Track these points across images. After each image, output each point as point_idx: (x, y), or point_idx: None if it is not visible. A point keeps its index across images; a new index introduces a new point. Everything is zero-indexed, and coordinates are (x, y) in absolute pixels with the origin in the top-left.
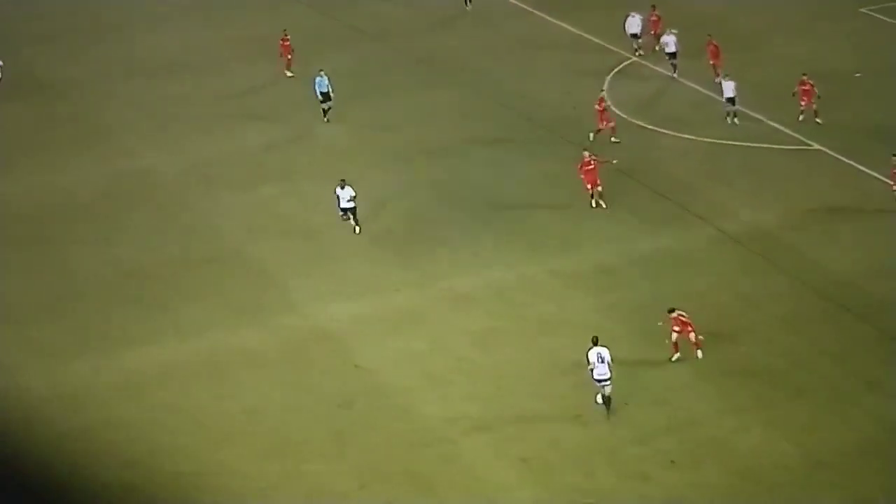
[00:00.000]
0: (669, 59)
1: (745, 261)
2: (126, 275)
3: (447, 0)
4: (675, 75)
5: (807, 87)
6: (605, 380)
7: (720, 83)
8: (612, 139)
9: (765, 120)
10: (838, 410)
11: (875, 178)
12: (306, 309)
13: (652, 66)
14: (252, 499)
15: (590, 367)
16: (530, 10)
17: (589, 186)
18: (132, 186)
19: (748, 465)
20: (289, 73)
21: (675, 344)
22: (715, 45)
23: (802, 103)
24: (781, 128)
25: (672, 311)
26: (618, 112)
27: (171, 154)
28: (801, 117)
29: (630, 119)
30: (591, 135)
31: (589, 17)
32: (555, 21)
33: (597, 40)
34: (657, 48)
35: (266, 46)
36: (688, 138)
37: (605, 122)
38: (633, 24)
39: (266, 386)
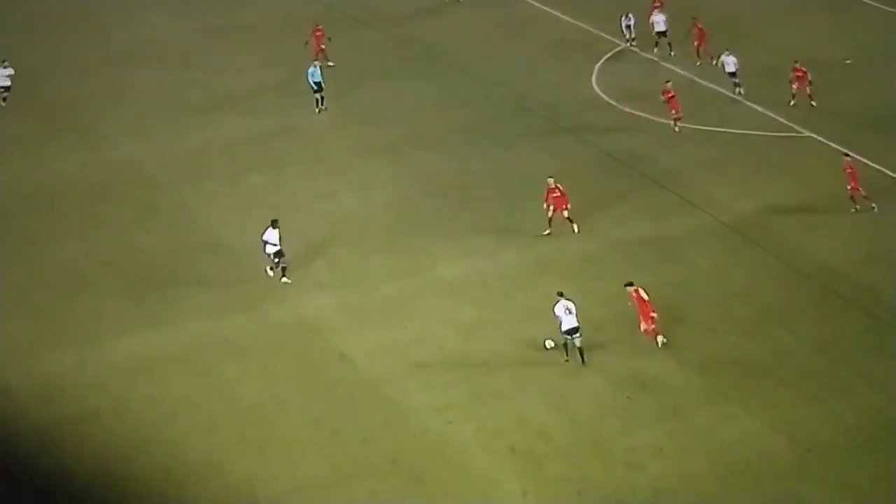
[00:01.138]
0: (659, 37)
1: (732, 249)
2: (106, 266)
3: None
4: (671, 54)
5: (799, 74)
6: (575, 330)
7: (718, 63)
8: (675, 128)
9: (756, 107)
10: (827, 401)
11: (866, 164)
12: (291, 299)
13: (642, 52)
14: (237, 490)
15: (558, 320)
16: None
17: (553, 210)
18: (111, 178)
19: (735, 456)
20: (329, 63)
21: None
22: (700, 28)
23: (794, 87)
24: (772, 114)
25: (630, 284)
26: (607, 99)
27: (150, 144)
28: (792, 102)
29: (620, 106)
30: (674, 124)
31: (578, 4)
32: (544, 7)
33: (586, 27)
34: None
35: (252, 35)
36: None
37: (674, 110)
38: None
39: (250, 377)
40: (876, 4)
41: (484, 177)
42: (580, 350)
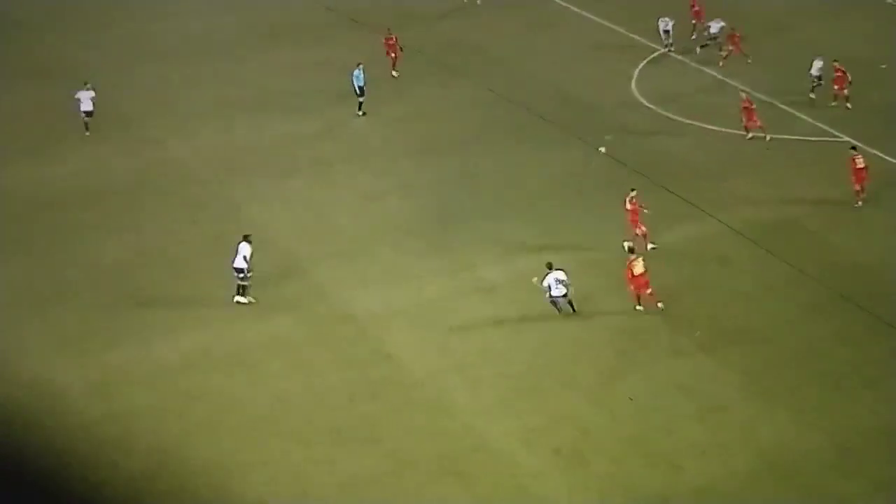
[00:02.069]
0: (710, 40)
1: (768, 247)
2: (153, 262)
3: None
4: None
5: (839, 74)
6: (563, 296)
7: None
8: (749, 135)
9: (787, 108)
10: (864, 397)
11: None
12: (335, 297)
13: (681, 58)
14: (283, 485)
15: (548, 291)
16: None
17: (638, 230)
18: (156, 176)
19: (775, 453)
20: (394, 73)
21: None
22: (735, 35)
23: (836, 88)
24: (804, 117)
25: (631, 250)
26: (645, 102)
27: (195, 141)
28: (833, 103)
29: (657, 109)
30: (762, 135)
31: (614, 7)
32: (578, 10)
33: (622, 30)
34: (695, 36)
35: (285, 32)
36: (716, 130)
37: (753, 121)
38: (665, 24)
39: (295, 373)
40: None
41: (527, 178)
42: (570, 302)
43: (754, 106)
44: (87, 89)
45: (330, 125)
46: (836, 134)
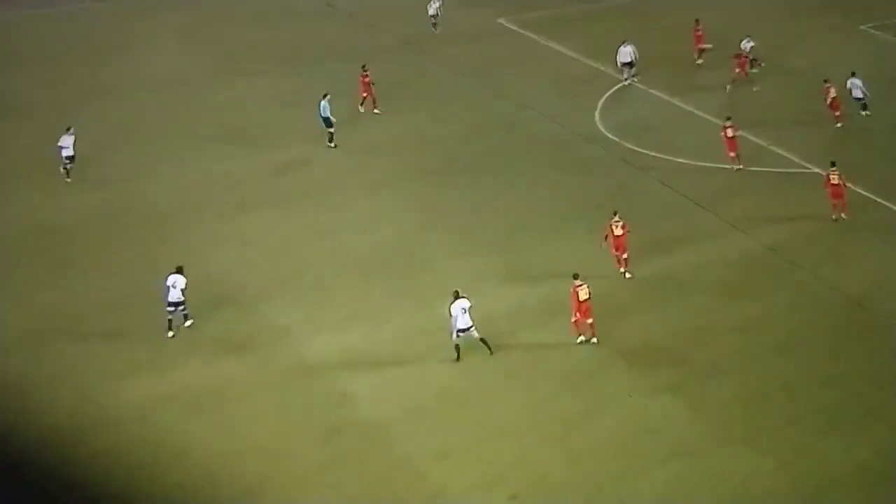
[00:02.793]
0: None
1: (736, 283)
2: (109, 306)
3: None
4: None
5: (833, 95)
6: (469, 328)
7: (847, 85)
8: (734, 167)
9: (760, 142)
10: (838, 437)
11: (875, 201)
12: (292, 338)
13: (647, 88)
14: None
15: (453, 319)
16: (518, 30)
17: (617, 253)
18: (115, 213)
19: (742, 495)
20: (377, 111)
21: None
22: (742, 58)
23: (836, 114)
24: (773, 147)
25: (575, 277)
26: (610, 136)
27: (157, 176)
28: (838, 124)
29: (622, 142)
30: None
31: (578, 37)
32: (544, 42)
33: (586, 61)
34: (699, 61)
35: (251, 64)
36: (682, 162)
37: (732, 150)
38: (625, 53)
39: (250, 419)
40: (889, 37)
41: (490, 212)
42: (483, 340)
43: (736, 134)
44: (70, 134)
45: (294, 158)
46: (806, 165)
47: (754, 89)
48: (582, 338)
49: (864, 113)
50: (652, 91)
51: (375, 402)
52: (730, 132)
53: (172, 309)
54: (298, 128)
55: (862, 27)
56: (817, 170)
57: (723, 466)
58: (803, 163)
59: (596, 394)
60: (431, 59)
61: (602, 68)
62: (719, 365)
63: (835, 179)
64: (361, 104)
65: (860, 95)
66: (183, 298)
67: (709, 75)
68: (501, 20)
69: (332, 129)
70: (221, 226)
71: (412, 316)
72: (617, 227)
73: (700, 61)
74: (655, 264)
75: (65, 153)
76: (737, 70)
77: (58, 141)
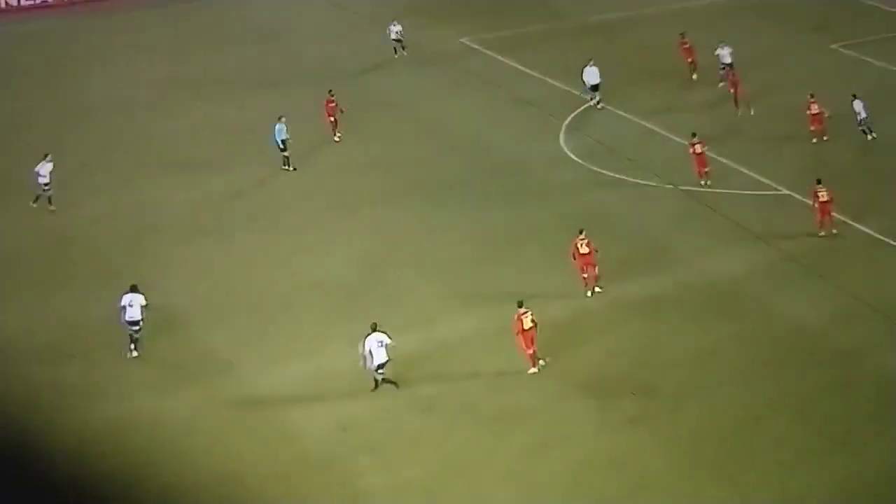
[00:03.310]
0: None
1: (703, 311)
2: (55, 336)
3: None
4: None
5: (815, 113)
6: (384, 364)
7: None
8: (702, 182)
9: (729, 163)
10: (799, 470)
11: (844, 222)
12: (239, 371)
13: (614, 109)
14: None
15: (367, 352)
16: (482, 49)
17: (584, 273)
18: (63, 241)
19: None
20: (337, 137)
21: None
22: (733, 75)
23: (812, 127)
24: (746, 171)
25: (520, 304)
26: (575, 157)
27: (106, 203)
28: (825, 137)
29: (588, 165)
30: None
31: (543, 57)
32: (508, 62)
33: (551, 81)
34: (694, 77)
35: (208, 88)
36: (649, 185)
37: (701, 167)
38: (592, 73)
39: (201, 455)
40: (859, 56)
41: (448, 238)
42: (389, 380)
43: (704, 150)
44: (47, 161)
45: (250, 183)
46: (776, 186)
47: (751, 113)
48: (534, 370)
49: (871, 136)
50: (619, 112)
51: (328, 439)
52: (697, 148)
53: (132, 328)
54: (255, 151)
55: (833, 46)
56: (787, 191)
57: (688, 500)
58: (773, 184)
59: (555, 426)
60: (393, 81)
61: (567, 88)
62: (685, 394)
63: (823, 196)
64: (335, 130)
65: (865, 115)
66: (142, 317)
67: (679, 95)
68: (464, 40)
69: (287, 153)
70: (176, 252)
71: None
72: (582, 244)
73: (695, 76)
74: (620, 289)
75: (41, 180)
76: (731, 90)
77: (35, 167)
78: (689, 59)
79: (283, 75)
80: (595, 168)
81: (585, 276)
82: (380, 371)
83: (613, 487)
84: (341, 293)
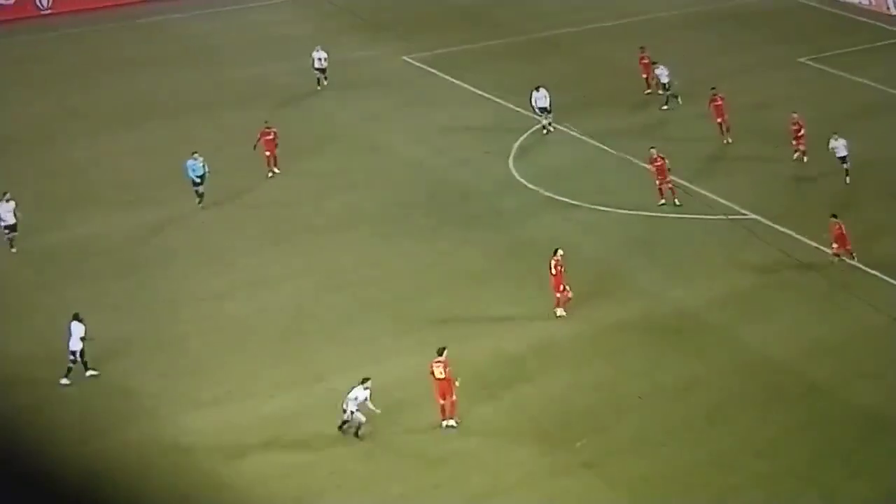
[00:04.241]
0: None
1: (662, 344)
2: None
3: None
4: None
5: (796, 127)
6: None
7: (829, 148)
8: (664, 201)
9: (692, 187)
10: None
11: (814, 247)
12: (164, 418)
13: (567, 130)
14: None
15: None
16: (426, 68)
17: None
18: None
19: None
20: (271, 172)
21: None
22: (719, 101)
23: (801, 147)
24: (700, 190)
25: (440, 351)
26: (527, 184)
27: (23, 240)
28: (798, 155)
29: (539, 189)
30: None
31: (490, 75)
32: (453, 80)
33: (501, 102)
34: (650, 91)
35: (130, 113)
36: (604, 210)
37: (662, 180)
38: (540, 97)
39: None
40: (827, 69)
41: (391, 271)
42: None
43: (664, 164)
44: (6, 200)
45: (174, 216)
46: (739, 210)
47: (728, 141)
48: (447, 422)
49: (847, 179)
50: (571, 133)
51: (255, 490)
52: (658, 162)
53: (71, 357)
54: (180, 182)
55: (801, 59)
56: (753, 215)
57: None
58: (737, 207)
59: (505, 470)
60: (334, 104)
61: (516, 108)
62: (643, 435)
63: (837, 230)
64: (272, 165)
65: (845, 154)
66: (81, 347)
67: (635, 115)
68: (407, 58)
69: (201, 188)
70: (94, 290)
71: (300, 390)
72: (557, 264)
73: (649, 91)
74: (574, 323)
75: (5, 222)
76: (718, 120)
77: None
78: (646, 75)
79: (214, 97)
80: (547, 193)
81: (559, 295)
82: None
83: None
84: (270, 332)
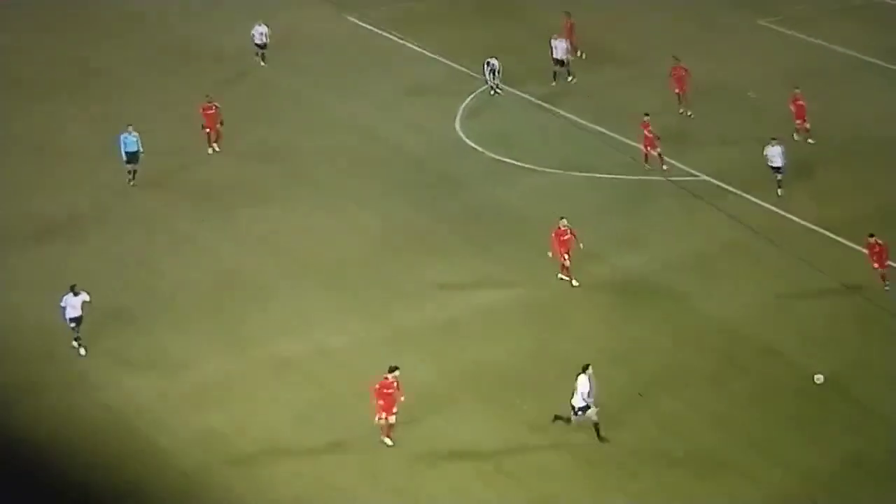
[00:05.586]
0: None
1: (615, 309)
2: None
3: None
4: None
5: (800, 103)
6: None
7: (765, 155)
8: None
9: (641, 147)
10: (723, 479)
11: (766, 209)
12: (98, 383)
13: (519, 92)
14: None
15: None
16: (371, 28)
17: (564, 258)
18: None
19: None
20: (210, 149)
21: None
22: (683, 71)
23: (803, 122)
24: (665, 158)
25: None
26: (473, 145)
27: None
28: (795, 135)
29: (487, 152)
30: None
31: (435, 35)
32: (399, 41)
33: (448, 62)
34: (578, 54)
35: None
36: (552, 172)
37: (649, 148)
38: (492, 64)
39: (50, 473)
40: (786, 31)
41: (336, 241)
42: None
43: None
44: None
45: (106, 183)
46: (693, 172)
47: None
48: (388, 440)
49: (780, 192)
50: (522, 94)
51: (192, 453)
52: (648, 128)
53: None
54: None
55: (761, 22)
56: (706, 177)
57: None
58: (690, 169)
59: (446, 436)
60: (275, 69)
61: (464, 70)
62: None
63: (876, 246)
64: (213, 142)
65: (780, 164)
66: (81, 314)
67: (583, 77)
68: (351, 17)
69: (132, 167)
70: (25, 258)
71: (232, 355)
72: (564, 232)
73: (581, 55)
74: (522, 288)
75: None
76: (676, 91)
77: None
78: (570, 39)
79: (150, 66)
80: (496, 156)
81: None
82: (578, 413)
83: (505, 499)
84: (206, 304)
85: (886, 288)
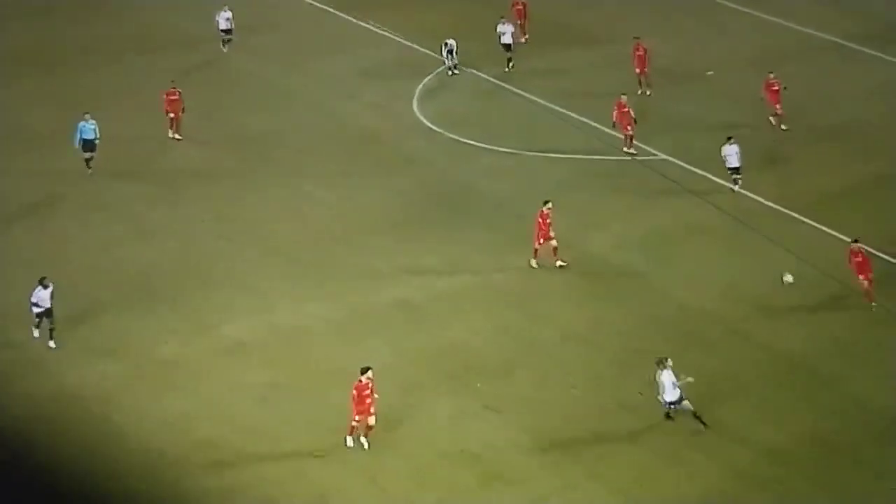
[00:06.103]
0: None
1: (575, 290)
2: None
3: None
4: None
5: (776, 88)
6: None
7: (721, 155)
8: (625, 149)
9: (602, 128)
10: (688, 459)
11: (728, 189)
12: (58, 368)
13: (476, 71)
14: None
15: (662, 388)
16: (327, 8)
17: (541, 241)
18: None
19: None
20: (174, 136)
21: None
22: (643, 50)
23: (777, 107)
24: (622, 136)
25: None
26: (430, 125)
27: None
28: (772, 119)
29: (445, 132)
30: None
31: (392, 15)
32: (355, 21)
33: (406, 42)
34: (523, 40)
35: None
36: (512, 153)
37: (626, 127)
38: (449, 44)
39: (11, 458)
40: (744, 9)
41: (293, 221)
42: (695, 414)
43: (627, 109)
44: None
45: (63, 169)
46: (653, 152)
47: (648, 94)
48: (363, 440)
49: (735, 188)
50: (480, 74)
51: (152, 436)
52: (624, 108)
53: (39, 320)
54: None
55: (731, 4)
56: (668, 157)
57: (551, 497)
58: (653, 150)
59: (402, 410)
60: (235, 50)
61: (423, 50)
62: (549, 378)
63: (860, 255)
64: (173, 129)
65: (736, 165)
66: (48, 308)
67: (538, 58)
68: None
69: (89, 155)
70: None
71: (193, 336)
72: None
73: (525, 39)
74: (482, 270)
75: None
76: (637, 71)
77: None
78: (521, 21)
79: (113, 49)
80: (452, 135)
81: (537, 247)
82: (673, 407)
83: (466, 479)
84: (168, 284)
85: (874, 305)
